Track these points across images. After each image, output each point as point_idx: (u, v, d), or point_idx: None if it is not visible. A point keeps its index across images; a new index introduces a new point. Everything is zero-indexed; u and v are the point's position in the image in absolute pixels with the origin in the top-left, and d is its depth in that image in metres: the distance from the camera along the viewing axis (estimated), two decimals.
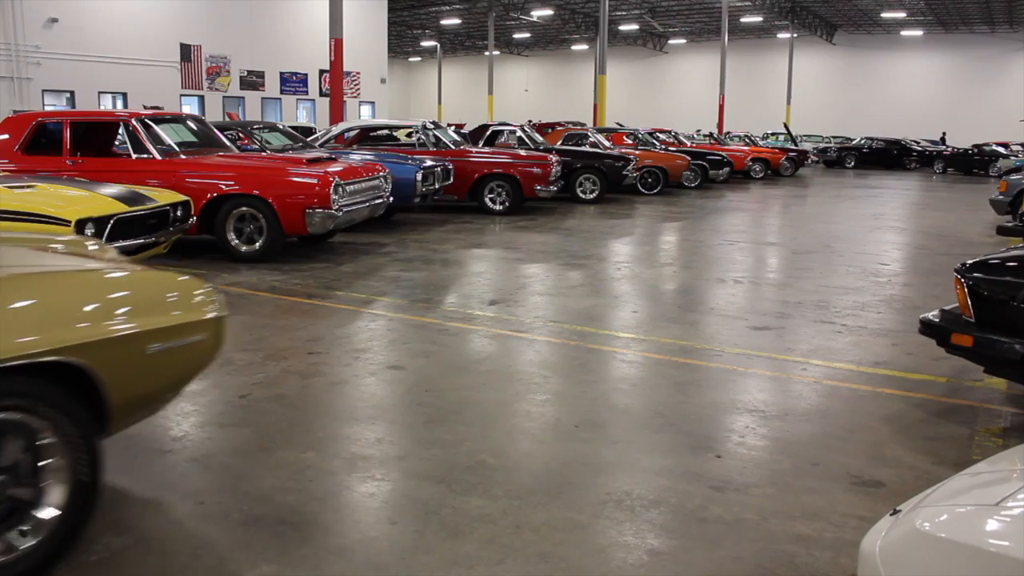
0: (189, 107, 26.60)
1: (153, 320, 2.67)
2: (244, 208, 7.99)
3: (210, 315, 2.87)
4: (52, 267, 2.71)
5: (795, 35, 42.81)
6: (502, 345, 5.39)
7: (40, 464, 2.45)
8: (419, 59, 61.99)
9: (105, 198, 6.22)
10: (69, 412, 2.45)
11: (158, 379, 2.79)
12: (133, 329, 2.59)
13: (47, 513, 2.46)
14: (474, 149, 13.24)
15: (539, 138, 16.17)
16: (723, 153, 21.08)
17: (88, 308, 2.50)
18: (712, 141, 26.86)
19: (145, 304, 2.69)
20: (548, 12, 40.47)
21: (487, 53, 42.89)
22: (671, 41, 50.18)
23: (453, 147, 12.75)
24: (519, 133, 15.74)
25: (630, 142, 19.88)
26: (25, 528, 2.44)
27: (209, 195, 7.95)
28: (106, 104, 24.55)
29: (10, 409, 2.34)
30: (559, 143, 17.04)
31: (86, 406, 2.52)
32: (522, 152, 13.50)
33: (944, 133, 37.44)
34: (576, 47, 52.48)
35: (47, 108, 22.64)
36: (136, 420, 2.89)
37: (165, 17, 25.67)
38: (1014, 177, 12.98)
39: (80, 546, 2.73)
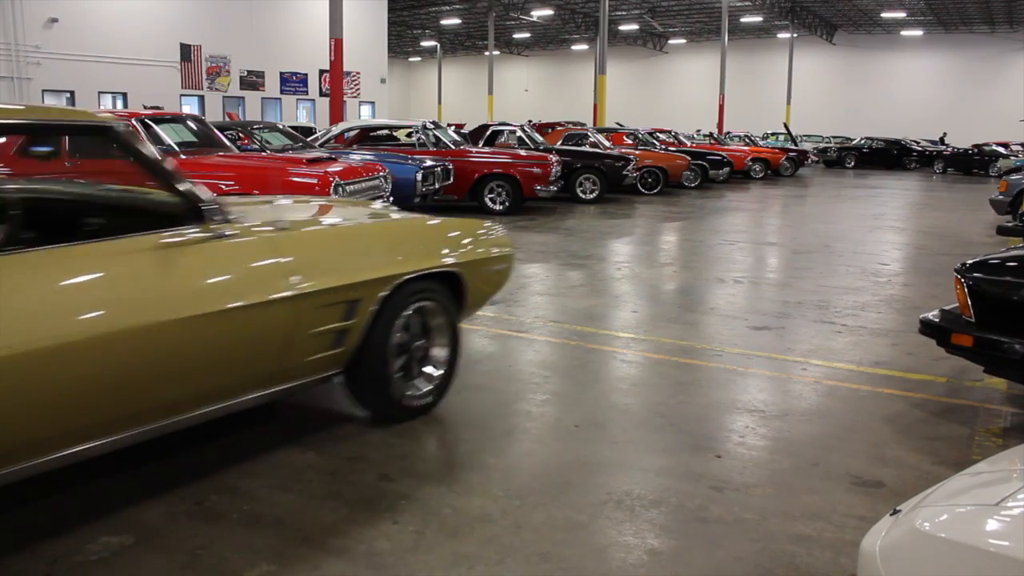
0: (189, 107, 26.59)
1: (491, 250, 4.22)
2: None
3: (510, 251, 4.39)
4: (444, 220, 4.22)
5: (795, 35, 42.80)
6: (502, 345, 5.39)
7: (434, 333, 3.93)
8: (419, 59, 61.98)
9: None
10: (448, 303, 3.94)
11: (488, 287, 4.32)
12: (483, 255, 4.16)
13: (434, 370, 3.95)
14: (474, 149, 13.24)
15: (539, 138, 16.17)
16: (723, 153, 21.09)
17: (465, 241, 4.10)
18: (712, 141, 26.86)
19: (487, 242, 4.22)
20: (548, 12, 40.48)
21: (487, 53, 42.89)
22: (671, 41, 50.19)
23: (453, 147, 12.75)
24: (519, 133, 15.74)
25: (630, 142, 19.88)
26: (428, 371, 3.94)
27: None
28: (106, 104, 24.55)
29: (427, 299, 3.79)
30: (559, 143, 17.04)
31: (456, 300, 4.01)
32: (522, 152, 13.51)
33: (944, 133, 37.42)
34: (576, 47, 52.48)
35: None
36: (468, 315, 4.34)
37: (165, 17, 25.67)
38: (1014, 177, 12.98)
39: (80, 546, 2.74)
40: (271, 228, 3.33)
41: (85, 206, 3.48)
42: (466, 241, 4.11)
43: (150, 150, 3.10)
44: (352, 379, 3.65)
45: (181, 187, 3.04)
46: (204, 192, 3.08)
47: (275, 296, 3.07)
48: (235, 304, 2.96)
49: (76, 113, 3.26)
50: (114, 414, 2.75)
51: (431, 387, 3.91)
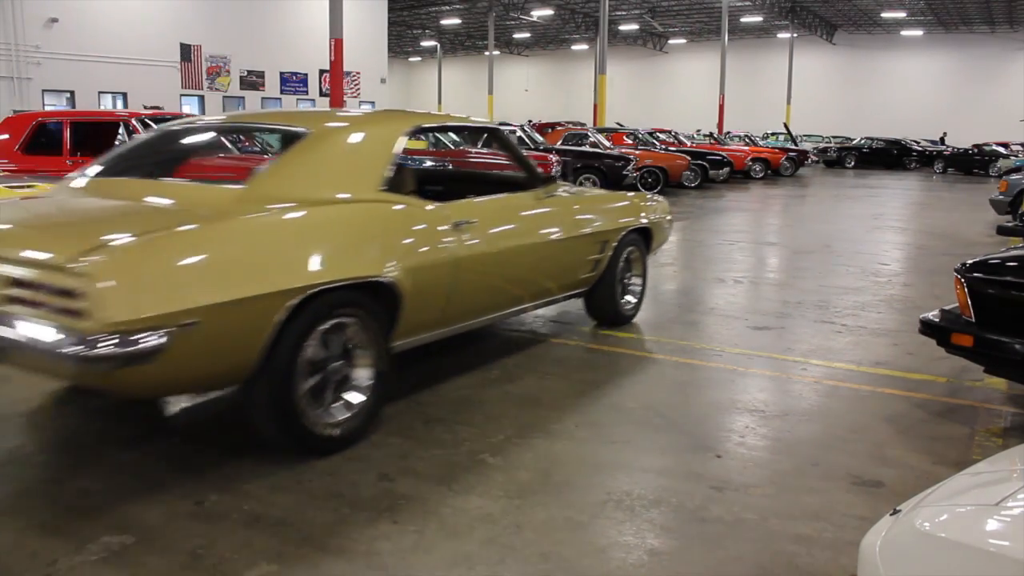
0: (189, 107, 26.60)
1: (662, 214, 6.02)
2: None
3: (671, 216, 6.25)
4: (634, 195, 6.01)
5: (795, 35, 42.82)
6: (501, 344, 5.39)
7: (635, 264, 5.89)
8: (419, 59, 61.99)
9: None
10: (643, 247, 5.86)
11: (661, 237, 6.11)
12: (660, 217, 5.97)
13: (633, 297, 6.01)
14: (474, 149, 13.24)
15: (539, 138, 16.18)
16: (723, 153, 21.08)
17: (647, 207, 5.82)
18: (712, 141, 26.86)
19: (658, 208, 5.97)
20: (548, 12, 40.50)
21: (487, 53, 42.90)
22: (671, 41, 50.20)
23: (453, 147, 12.74)
24: (519, 133, 15.74)
25: (630, 142, 19.89)
26: (632, 293, 5.99)
27: None
28: (106, 104, 24.56)
29: (633, 244, 5.67)
30: (559, 143, 17.05)
31: (647, 246, 5.91)
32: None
33: (944, 133, 37.41)
34: (576, 47, 52.50)
35: (47, 108, 22.64)
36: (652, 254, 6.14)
37: (165, 17, 25.68)
38: (1014, 177, 12.98)
39: (80, 546, 2.74)
40: (572, 193, 5.29)
41: (502, 178, 5.74)
42: (647, 206, 5.83)
43: (517, 147, 5.11)
44: (590, 296, 5.59)
45: (535, 170, 5.00)
46: (545, 173, 5.07)
47: (580, 232, 5.05)
48: (563, 235, 4.89)
49: (474, 120, 5.17)
50: (506, 298, 4.64)
51: (636, 301, 5.93)
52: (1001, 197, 12.60)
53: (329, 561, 2.69)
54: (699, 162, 19.43)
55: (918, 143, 33.17)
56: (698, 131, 37.05)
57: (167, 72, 26.09)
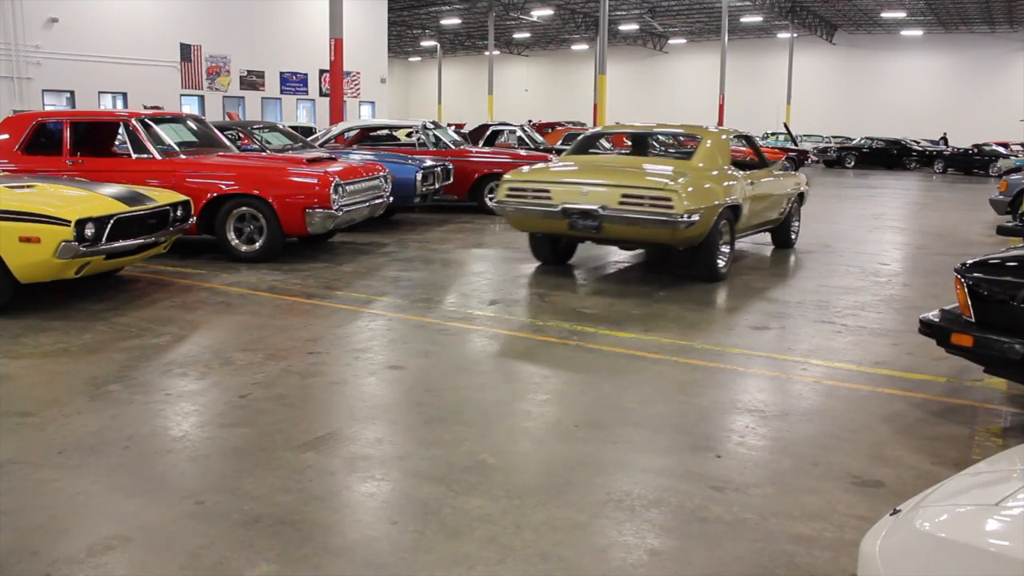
0: (189, 107, 26.60)
1: (806, 184, 10.10)
2: (244, 208, 7.99)
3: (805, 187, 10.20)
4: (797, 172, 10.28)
5: (795, 35, 42.80)
6: (502, 345, 5.39)
7: (795, 212, 10.14)
8: (419, 59, 61.99)
9: (105, 198, 6.22)
10: (798, 203, 9.95)
11: (806, 199, 10.22)
12: (806, 186, 10.09)
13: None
14: (474, 149, 13.23)
15: (539, 138, 16.18)
16: None
17: (801, 180, 9.94)
18: None
19: (807, 182, 10.08)
20: (548, 12, 40.47)
21: (487, 53, 42.89)
22: (671, 41, 50.19)
23: (453, 147, 12.74)
24: (519, 133, 15.74)
25: (630, 142, 19.85)
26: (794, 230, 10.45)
27: (209, 195, 7.94)
28: (106, 104, 24.55)
29: (797, 202, 9.91)
30: (559, 143, 17.04)
31: (799, 203, 10.10)
32: (522, 152, 13.50)
33: (945, 134, 37.31)
34: (576, 47, 52.49)
35: (47, 108, 22.64)
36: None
37: (165, 17, 25.67)
38: (1014, 177, 12.98)
39: (80, 546, 2.74)
40: (781, 172, 9.14)
41: (758, 163, 9.27)
42: (804, 180, 9.87)
43: (759, 144, 9.31)
44: (776, 230, 9.42)
45: (766, 159, 9.15)
46: (771, 161, 9.26)
47: (785, 191, 9.07)
48: (784, 191, 9.05)
49: (693, 127, 8.75)
50: (759, 221, 8.49)
51: (796, 235, 9.93)
52: (1001, 197, 12.60)
53: (329, 561, 2.69)
54: None
55: (918, 143, 33.16)
56: None
57: (167, 72, 26.08)
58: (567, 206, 7.10)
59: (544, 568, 2.67)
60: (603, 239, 7.49)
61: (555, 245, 8.15)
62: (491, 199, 12.64)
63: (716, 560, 2.74)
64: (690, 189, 6.83)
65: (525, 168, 8.00)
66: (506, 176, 7.72)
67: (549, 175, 7.51)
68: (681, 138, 9.88)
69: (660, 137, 10.42)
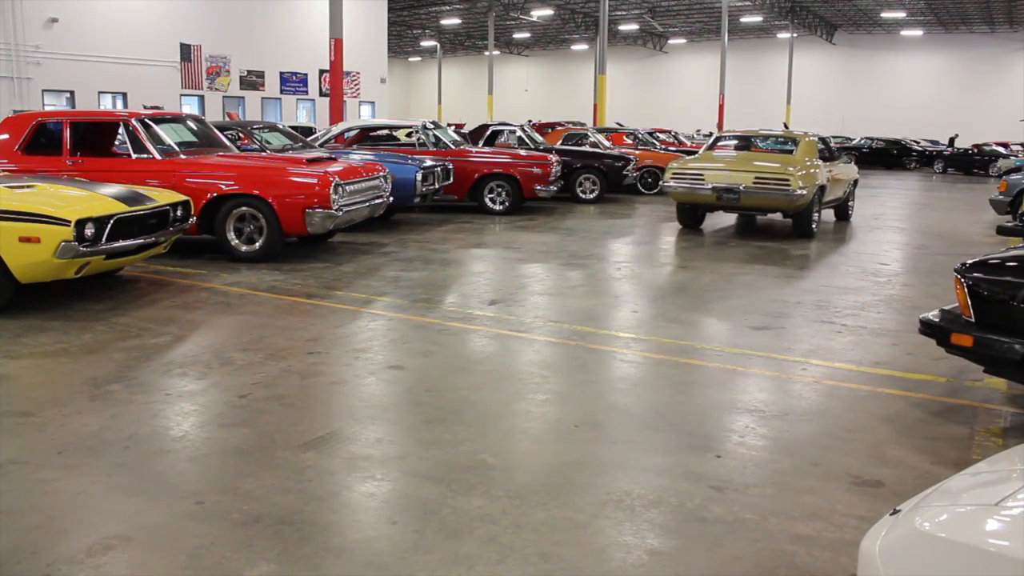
0: (189, 107, 26.59)
1: (856, 174, 13.63)
2: (244, 208, 7.99)
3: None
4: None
5: (795, 35, 42.80)
6: (502, 345, 5.39)
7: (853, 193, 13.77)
8: (419, 59, 61.99)
9: (105, 198, 6.22)
10: (853, 187, 13.29)
11: (856, 186, 13.78)
12: (858, 177, 13.86)
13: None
14: (474, 149, 13.23)
15: (539, 138, 16.17)
16: None
17: (856, 172, 13.66)
18: None
19: (856, 172, 13.81)
20: (548, 12, 40.46)
21: (487, 53, 42.89)
22: (671, 41, 50.18)
23: (453, 147, 12.74)
24: (519, 133, 15.73)
25: (630, 142, 19.87)
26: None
27: (209, 195, 7.95)
28: (106, 104, 24.55)
29: (853, 186, 13.44)
30: (559, 143, 17.03)
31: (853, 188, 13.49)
32: (522, 152, 13.50)
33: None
34: (576, 47, 52.48)
35: (47, 108, 22.63)
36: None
37: (165, 17, 25.67)
38: (1014, 177, 12.97)
39: (80, 546, 2.74)
40: (844, 162, 12.49)
41: (828, 157, 12.08)
42: (855, 170, 13.02)
43: (831, 146, 12.47)
44: (838, 208, 12.70)
45: (835, 152, 12.33)
46: (837, 155, 12.41)
47: (848, 176, 12.48)
48: (848, 177, 12.50)
49: (788, 133, 12.25)
50: (831, 198, 11.71)
51: (851, 213, 13.20)
52: (1001, 197, 12.61)
53: (329, 561, 2.69)
54: None
55: (918, 143, 33.13)
56: (698, 131, 37.00)
57: (167, 72, 26.08)
58: (716, 184, 10.48)
59: (544, 568, 2.67)
60: (739, 207, 10.74)
61: (694, 214, 11.45)
62: (491, 199, 12.66)
63: (716, 560, 2.74)
64: (800, 173, 10.14)
65: (680, 160, 11.43)
66: (671, 164, 11.10)
67: (701, 165, 10.83)
68: (781, 139, 12.72)
69: (765, 139, 13.95)
